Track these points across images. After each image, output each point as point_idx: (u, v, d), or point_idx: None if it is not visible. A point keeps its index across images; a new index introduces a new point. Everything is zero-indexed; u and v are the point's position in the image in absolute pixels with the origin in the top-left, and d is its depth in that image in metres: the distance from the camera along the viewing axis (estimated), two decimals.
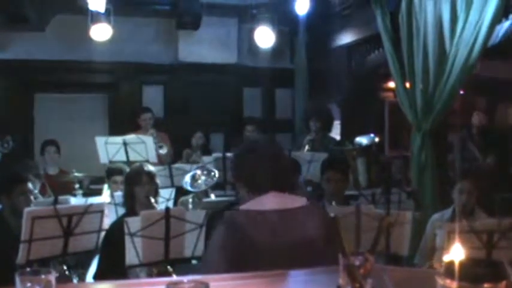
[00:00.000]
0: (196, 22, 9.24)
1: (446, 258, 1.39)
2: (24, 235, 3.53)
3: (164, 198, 4.91)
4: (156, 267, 3.69)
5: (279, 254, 2.45)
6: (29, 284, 1.60)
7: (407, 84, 6.09)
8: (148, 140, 6.79)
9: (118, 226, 3.85)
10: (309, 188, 6.25)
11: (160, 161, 7.20)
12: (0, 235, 4.17)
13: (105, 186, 6.12)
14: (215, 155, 6.59)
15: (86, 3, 7.62)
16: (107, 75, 9.65)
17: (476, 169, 7.16)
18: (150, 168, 4.48)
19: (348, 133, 8.27)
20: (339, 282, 1.64)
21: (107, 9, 7.77)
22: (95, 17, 7.85)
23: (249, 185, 2.66)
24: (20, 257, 3.53)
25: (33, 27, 8.88)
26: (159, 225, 3.61)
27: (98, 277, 4.01)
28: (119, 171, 5.71)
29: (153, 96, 9.68)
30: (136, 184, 4.30)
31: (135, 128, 7.91)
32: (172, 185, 5.78)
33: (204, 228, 3.81)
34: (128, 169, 5.25)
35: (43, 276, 1.62)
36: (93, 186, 7.09)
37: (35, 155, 8.60)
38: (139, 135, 7.09)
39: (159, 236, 3.62)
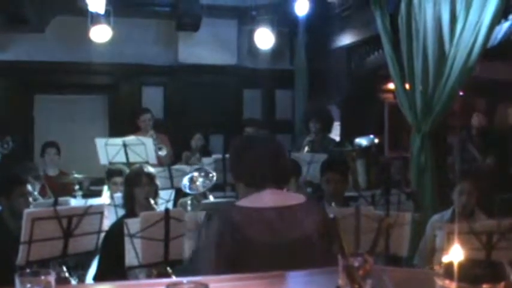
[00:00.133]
0: (196, 23, 9.25)
1: (445, 259, 1.39)
2: (24, 236, 3.53)
3: (164, 200, 4.91)
4: (156, 269, 3.69)
5: (276, 252, 2.44)
6: (28, 285, 1.60)
7: (407, 86, 6.09)
8: (148, 141, 6.79)
9: (118, 227, 3.85)
10: (309, 189, 6.25)
11: (160, 162, 7.20)
12: None
13: (105, 188, 6.12)
14: (215, 156, 6.59)
15: (86, 5, 7.62)
16: (107, 76, 9.66)
17: (476, 170, 7.17)
18: (150, 169, 4.49)
19: (348, 134, 8.27)
20: (338, 283, 1.64)
21: (106, 11, 7.78)
22: (94, 18, 7.86)
23: (246, 180, 2.64)
24: (20, 258, 3.52)
25: (33, 29, 8.89)
26: (158, 226, 3.61)
27: (97, 278, 4.01)
28: (119, 173, 5.71)
29: (153, 97, 9.69)
30: (136, 185, 4.30)
31: (135, 129, 7.92)
32: (172, 187, 5.78)
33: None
34: (127, 170, 5.25)
35: (43, 277, 1.62)
36: (93, 188, 7.09)
37: (34, 156, 8.60)
38: (139, 136, 7.09)
39: (158, 237, 3.61)
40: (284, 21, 9.17)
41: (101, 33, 8.01)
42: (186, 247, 3.80)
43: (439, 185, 5.81)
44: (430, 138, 5.82)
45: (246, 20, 9.50)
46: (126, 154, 6.56)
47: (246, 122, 9.07)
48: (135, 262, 3.60)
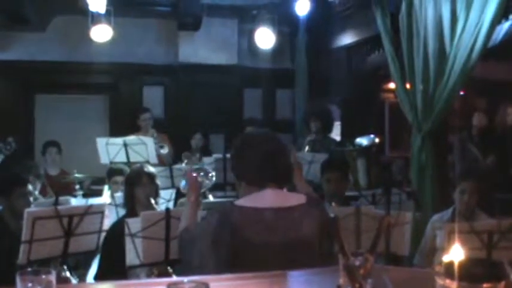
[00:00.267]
0: (196, 23, 9.25)
1: (446, 258, 1.39)
2: (24, 236, 3.53)
3: (164, 199, 4.91)
4: (157, 268, 3.69)
5: (275, 252, 2.44)
6: (29, 284, 1.60)
7: (408, 85, 6.09)
8: (149, 141, 6.80)
9: (118, 227, 3.85)
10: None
11: (161, 161, 7.21)
12: (0, 236, 4.16)
13: (106, 187, 6.12)
14: (215, 156, 6.60)
15: (87, 4, 7.63)
16: (108, 76, 9.67)
17: (478, 170, 7.16)
18: (151, 169, 4.49)
19: (348, 134, 8.27)
20: (339, 282, 1.64)
21: (107, 10, 7.78)
22: (95, 18, 7.86)
23: (247, 178, 2.64)
24: (21, 258, 3.52)
25: (34, 28, 8.89)
26: (159, 226, 3.61)
27: (98, 278, 4.01)
28: (120, 172, 5.71)
29: (153, 97, 9.69)
30: (136, 185, 4.30)
31: (136, 129, 7.92)
32: (172, 186, 5.78)
33: None
34: (128, 170, 5.25)
35: (44, 277, 1.63)
36: (93, 187, 7.10)
37: (35, 155, 8.61)
38: (140, 136, 7.10)
39: (159, 236, 3.62)
40: (285, 21, 9.17)
41: (101, 33, 8.01)
42: None
43: (439, 184, 5.81)
44: (431, 138, 5.81)
45: (246, 19, 9.50)
46: (127, 154, 6.57)
47: (246, 121, 9.07)
48: (135, 261, 3.60)
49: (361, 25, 8.18)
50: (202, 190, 4.94)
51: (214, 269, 2.45)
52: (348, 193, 5.26)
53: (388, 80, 8.19)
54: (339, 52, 9.09)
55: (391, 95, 9.34)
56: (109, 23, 7.94)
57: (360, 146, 7.13)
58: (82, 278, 4.32)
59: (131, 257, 3.58)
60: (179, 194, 5.56)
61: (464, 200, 4.53)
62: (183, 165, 7.10)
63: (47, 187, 6.81)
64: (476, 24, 5.23)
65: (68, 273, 3.78)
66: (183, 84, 9.65)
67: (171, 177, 6.14)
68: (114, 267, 3.74)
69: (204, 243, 2.53)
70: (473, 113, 7.97)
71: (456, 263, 1.34)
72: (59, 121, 9.22)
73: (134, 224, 3.60)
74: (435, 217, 4.81)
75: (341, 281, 1.63)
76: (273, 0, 9.09)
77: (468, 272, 1.32)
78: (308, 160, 6.32)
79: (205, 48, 9.50)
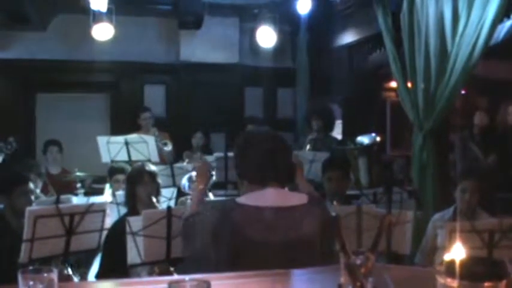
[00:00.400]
0: (198, 22, 9.25)
1: (447, 257, 1.39)
2: (26, 234, 3.53)
3: (166, 198, 4.92)
4: (158, 267, 3.69)
5: (274, 251, 2.44)
6: (31, 283, 1.61)
7: (409, 84, 6.09)
8: (150, 139, 6.80)
9: (120, 225, 3.86)
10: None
11: (163, 160, 7.22)
12: (1, 235, 4.17)
13: (107, 186, 6.13)
14: (216, 154, 6.61)
15: (88, 3, 7.63)
16: (109, 74, 9.66)
17: (479, 169, 7.16)
18: (152, 167, 4.49)
19: (350, 132, 8.27)
20: (340, 281, 1.64)
21: (108, 9, 7.78)
22: (96, 17, 7.86)
23: (249, 177, 2.63)
24: (22, 256, 3.53)
25: (35, 27, 8.89)
26: (160, 224, 3.62)
27: (99, 276, 4.02)
28: (121, 171, 5.72)
29: (154, 95, 9.69)
30: (138, 183, 4.31)
31: (137, 128, 7.93)
32: (173, 185, 5.79)
33: None
34: (129, 169, 5.26)
35: (45, 275, 1.63)
36: (95, 186, 7.11)
37: (36, 154, 8.62)
38: (141, 134, 7.11)
39: (160, 235, 3.62)
40: (286, 20, 9.17)
41: (103, 32, 8.01)
42: None
43: (440, 183, 5.81)
44: (432, 137, 5.81)
45: (247, 18, 9.50)
46: (128, 152, 6.58)
47: (247, 120, 9.07)
48: (137, 260, 3.60)
49: (363, 24, 8.18)
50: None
51: (214, 266, 2.45)
52: (349, 192, 5.26)
53: (390, 79, 8.19)
54: (340, 51, 9.08)
55: (392, 94, 9.34)
56: (110, 21, 7.94)
57: (361, 144, 7.13)
58: (83, 276, 4.33)
59: (132, 256, 3.59)
60: (180, 193, 5.57)
61: (466, 198, 4.53)
62: (184, 164, 7.11)
63: (49, 186, 6.81)
64: (477, 23, 5.23)
65: (70, 271, 3.78)
66: (184, 82, 9.65)
67: (172, 175, 6.15)
68: (115, 266, 3.75)
69: (204, 238, 2.53)
70: (474, 111, 7.96)
71: (457, 262, 1.34)
72: (60, 120, 9.23)
73: (135, 223, 3.60)
74: (436, 216, 4.81)
75: (342, 279, 1.63)
76: None
77: (469, 270, 1.33)
78: (309, 159, 6.32)
79: (206, 46, 9.50)
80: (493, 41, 5.44)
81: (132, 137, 6.85)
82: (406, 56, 6.04)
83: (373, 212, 3.98)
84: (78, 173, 6.77)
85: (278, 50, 9.31)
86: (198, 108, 9.43)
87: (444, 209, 4.82)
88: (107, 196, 5.81)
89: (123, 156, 6.59)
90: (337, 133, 8.55)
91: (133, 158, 6.51)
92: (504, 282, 1.32)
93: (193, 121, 9.12)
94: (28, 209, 3.64)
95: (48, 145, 7.61)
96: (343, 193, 4.98)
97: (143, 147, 6.64)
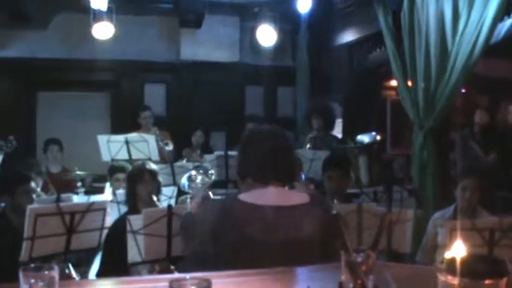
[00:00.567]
0: (198, 20, 9.26)
1: (447, 255, 1.39)
2: (27, 232, 3.54)
3: (166, 196, 4.92)
4: (158, 265, 3.70)
5: (273, 250, 2.43)
6: (32, 280, 1.61)
7: (409, 83, 6.09)
8: (151, 138, 6.80)
9: (120, 224, 3.86)
10: (311, 186, 6.25)
11: (163, 159, 7.22)
12: (3, 233, 4.17)
13: (107, 184, 6.13)
14: (217, 153, 6.61)
15: (89, 2, 7.64)
16: (109, 73, 9.66)
17: (479, 167, 7.16)
18: (153, 166, 4.49)
19: (350, 131, 8.27)
20: (341, 279, 1.64)
21: (109, 8, 7.79)
22: (97, 16, 7.86)
23: (252, 175, 2.62)
24: (23, 255, 3.53)
25: (36, 26, 8.90)
26: (161, 223, 3.62)
27: (100, 275, 4.01)
28: (121, 170, 5.71)
29: (155, 94, 9.70)
30: (138, 182, 4.31)
31: (137, 127, 7.93)
32: (174, 183, 5.78)
33: None
34: (130, 167, 5.26)
35: (46, 273, 1.63)
36: (95, 185, 7.11)
37: (37, 153, 8.62)
38: (141, 133, 7.11)
39: (161, 233, 3.62)
40: (286, 18, 9.17)
41: (103, 31, 8.02)
42: None
43: (441, 181, 5.81)
44: (432, 135, 5.82)
45: (248, 17, 9.51)
46: (129, 151, 6.58)
47: (247, 118, 9.07)
48: (137, 258, 3.61)
49: (363, 22, 8.18)
50: (202, 188, 4.97)
51: (213, 262, 2.45)
52: (350, 190, 5.26)
53: (390, 78, 8.19)
54: (341, 50, 9.08)
55: (392, 93, 9.33)
56: (111, 20, 7.94)
57: (362, 143, 7.14)
58: (84, 275, 4.33)
59: (133, 254, 3.59)
60: (180, 191, 5.57)
61: (466, 197, 4.53)
62: (184, 162, 7.11)
63: (49, 184, 6.82)
64: (478, 22, 5.23)
65: (71, 270, 3.79)
66: (185, 81, 9.65)
67: (173, 174, 6.15)
68: (116, 264, 3.75)
69: (203, 234, 2.53)
70: (475, 110, 7.96)
71: (458, 260, 1.34)
72: (60, 118, 9.23)
73: (136, 221, 3.60)
74: (437, 214, 4.81)
75: (343, 277, 1.63)
76: None
77: (470, 268, 1.33)
78: (309, 157, 6.32)
79: (207, 45, 9.50)
80: (493, 40, 5.44)
81: (133, 135, 6.85)
82: (406, 55, 6.04)
83: (374, 211, 3.98)
84: (78, 172, 6.77)
85: (278, 48, 9.32)
86: (199, 107, 9.44)
87: (445, 208, 4.82)
88: (107, 195, 5.81)
89: (123, 155, 6.59)
90: (338, 132, 8.56)
91: (134, 156, 6.51)
92: (505, 280, 1.32)
93: (193, 120, 9.12)
94: (29, 207, 3.65)
95: (49, 144, 7.62)
96: (344, 192, 4.98)
97: (144, 146, 6.64)
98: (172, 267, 3.63)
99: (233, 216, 2.48)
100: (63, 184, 6.83)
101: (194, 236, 2.62)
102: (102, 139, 6.67)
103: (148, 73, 9.70)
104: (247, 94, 10.10)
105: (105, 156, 6.64)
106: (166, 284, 1.54)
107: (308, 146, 7.47)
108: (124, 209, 4.55)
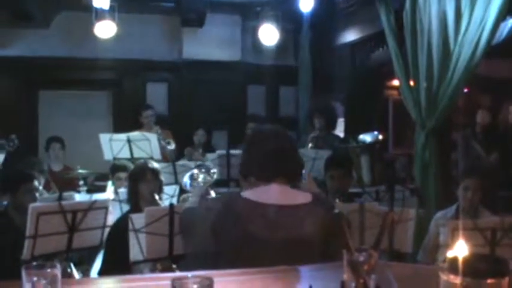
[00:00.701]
0: (200, 19, 9.26)
1: (450, 254, 1.39)
2: (29, 231, 3.54)
3: (168, 195, 4.92)
4: (160, 264, 3.70)
5: (273, 249, 2.43)
6: (34, 278, 1.61)
7: (411, 82, 6.09)
8: (153, 137, 6.80)
9: (122, 222, 3.86)
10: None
11: (165, 158, 7.22)
12: (5, 231, 4.17)
13: (109, 183, 6.13)
14: (219, 152, 6.60)
15: (90, 0, 7.64)
16: (111, 72, 9.67)
17: (481, 167, 7.16)
18: (155, 165, 4.49)
19: (352, 131, 8.26)
20: (343, 278, 1.64)
21: (111, 7, 7.79)
22: (99, 14, 7.87)
23: (255, 173, 2.62)
24: (25, 253, 3.53)
25: (38, 25, 8.90)
26: (163, 221, 3.62)
27: (102, 273, 4.02)
28: (123, 168, 5.72)
29: (157, 93, 9.70)
30: (140, 181, 4.31)
31: (139, 126, 7.94)
32: (176, 182, 5.79)
33: None
34: (132, 166, 5.26)
35: (48, 270, 1.63)
36: (97, 183, 7.11)
37: (39, 151, 8.63)
38: (143, 132, 7.11)
39: (163, 232, 3.62)
40: (288, 18, 9.17)
41: (105, 29, 8.02)
42: None
43: (443, 181, 5.81)
44: (435, 135, 5.81)
45: (250, 16, 9.51)
46: (131, 150, 6.59)
47: (249, 118, 9.07)
48: (139, 257, 3.61)
49: (365, 22, 8.18)
50: (204, 187, 4.97)
51: (213, 259, 2.45)
52: (352, 190, 5.26)
53: (392, 77, 8.19)
54: (343, 49, 9.08)
55: (394, 92, 9.33)
56: (113, 19, 7.95)
57: (364, 142, 7.13)
58: (86, 273, 4.33)
59: (135, 253, 3.59)
60: (182, 190, 5.58)
61: (468, 197, 4.53)
62: (186, 161, 7.11)
63: (51, 183, 6.82)
64: (480, 21, 5.23)
65: (73, 268, 3.79)
66: (187, 80, 9.65)
67: (175, 173, 6.15)
68: (118, 263, 3.74)
69: (204, 229, 2.53)
70: (476, 110, 7.96)
71: (460, 259, 1.34)
72: (62, 117, 9.24)
73: (138, 220, 3.60)
74: (439, 214, 4.81)
75: (345, 276, 1.64)
76: None
77: (472, 267, 1.33)
78: (311, 157, 6.32)
79: (209, 44, 9.51)
80: (495, 40, 5.44)
81: (135, 134, 6.85)
82: (408, 55, 6.03)
83: (376, 210, 3.98)
84: (80, 170, 6.78)
85: (280, 47, 9.32)
86: (200, 106, 9.44)
87: (446, 207, 4.82)
88: (109, 193, 5.82)
89: (125, 153, 6.59)
90: (340, 131, 8.56)
91: (136, 155, 6.51)
92: (507, 279, 1.32)
93: (195, 119, 9.12)
94: (31, 205, 3.65)
95: (51, 142, 7.62)
96: (346, 191, 4.97)
97: (145, 144, 6.64)
98: (174, 265, 3.63)
99: (235, 213, 2.48)
100: (65, 182, 6.84)
101: (195, 233, 2.62)
102: (104, 138, 6.68)
103: (150, 72, 9.71)
104: (249, 93, 10.10)
105: (107, 155, 6.64)
106: (168, 282, 1.54)
107: (310, 145, 7.47)
108: (126, 207, 4.55)
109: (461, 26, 5.43)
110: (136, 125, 7.89)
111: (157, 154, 6.64)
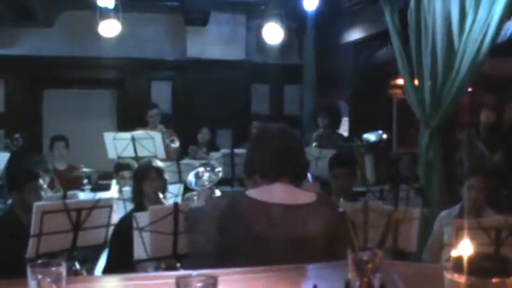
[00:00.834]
0: (204, 18, 9.26)
1: (454, 253, 1.39)
2: (33, 229, 3.54)
3: (172, 194, 4.93)
4: (164, 262, 3.70)
5: (276, 249, 2.43)
6: (39, 276, 1.61)
7: (416, 81, 6.08)
8: (157, 135, 6.81)
9: (127, 221, 3.87)
10: (317, 186, 6.25)
11: (169, 156, 7.23)
12: (11, 230, 4.18)
13: (114, 182, 6.14)
14: (223, 151, 6.61)
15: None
16: (115, 71, 9.69)
17: (486, 166, 7.14)
18: (159, 163, 4.50)
19: (356, 129, 8.27)
20: (348, 277, 1.64)
21: (115, 5, 7.78)
22: (103, 13, 7.87)
23: (260, 172, 2.62)
24: (30, 251, 3.54)
25: (42, 24, 8.92)
26: (167, 220, 3.62)
27: (106, 271, 4.03)
28: (127, 167, 5.73)
29: (161, 92, 9.71)
30: (144, 179, 4.32)
31: (144, 124, 7.94)
32: (180, 181, 5.79)
33: None
34: (136, 165, 5.27)
35: (53, 269, 1.63)
36: (101, 182, 7.13)
37: (43, 150, 8.64)
38: (148, 131, 7.12)
39: (167, 231, 3.62)
40: (293, 16, 9.16)
41: (109, 28, 8.02)
42: None
43: (447, 180, 5.80)
44: (439, 134, 5.81)
45: (254, 14, 9.51)
46: (135, 148, 6.59)
47: (253, 116, 9.08)
48: (143, 255, 3.61)
49: (369, 21, 8.17)
50: (209, 185, 4.97)
51: (216, 257, 2.45)
52: (356, 189, 5.26)
53: (396, 76, 8.18)
54: (347, 48, 9.08)
55: (399, 91, 9.33)
56: (117, 18, 7.94)
57: (368, 141, 7.13)
58: (90, 272, 4.34)
59: (139, 251, 3.59)
60: (186, 189, 5.58)
61: (472, 196, 4.52)
62: (190, 160, 7.11)
63: (55, 181, 6.83)
64: (485, 21, 5.22)
65: (78, 266, 3.80)
66: (191, 79, 9.66)
67: (179, 172, 6.16)
68: (122, 261, 3.76)
69: (209, 227, 2.53)
70: (481, 109, 7.94)
71: (465, 258, 1.34)
72: (66, 116, 9.26)
73: (142, 218, 3.61)
74: (443, 213, 4.80)
75: (350, 275, 1.63)
76: None
77: (477, 266, 1.32)
78: (315, 156, 6.32)
79: (213, 43, 9.51)
80: (499, 39, 5.43)
81: (139, 133, 6.85)
82: (412, 53, 6.03)
83: (380, 209, 3.97)
84: (84, 169, 6.79)
85: (285, 46, 9.31)
86: (205, 104, 9.44)
87: (451, 206, 4.81)
88: (113, 192, 5.82)
89: (129, 152, 6.59)
90: (344, 130, 8.56)
91: (140, 154, 6.51)
92: None
93: (199, 118, 9.13)
94: (35, 204, 3.65)
95: (55, 141, 7.63)
96: (350, 190, 4.97)
97: (150, 143, 6.64)
98: (178, 264, 3.63)
99: (239, 211, 2.48)
100: (70, 181, 6.84)
101: (200, 231, 2.62)
102: (108, 136, 6.68)
103: (154, 71, 9.72)
104: (253, 92, 10.11)
105: (111, 154, 6.64)
106: (172, 280, 1.53)
107: (314, 144, 7.47)
108: (130, 206, 4.56)
109: (465, 25, 5.42)
110: (141, 124, 7.89)
111: (161, 153, 6.65)
